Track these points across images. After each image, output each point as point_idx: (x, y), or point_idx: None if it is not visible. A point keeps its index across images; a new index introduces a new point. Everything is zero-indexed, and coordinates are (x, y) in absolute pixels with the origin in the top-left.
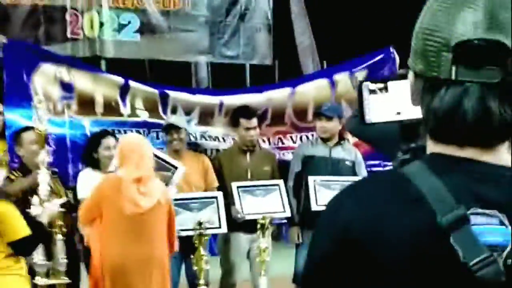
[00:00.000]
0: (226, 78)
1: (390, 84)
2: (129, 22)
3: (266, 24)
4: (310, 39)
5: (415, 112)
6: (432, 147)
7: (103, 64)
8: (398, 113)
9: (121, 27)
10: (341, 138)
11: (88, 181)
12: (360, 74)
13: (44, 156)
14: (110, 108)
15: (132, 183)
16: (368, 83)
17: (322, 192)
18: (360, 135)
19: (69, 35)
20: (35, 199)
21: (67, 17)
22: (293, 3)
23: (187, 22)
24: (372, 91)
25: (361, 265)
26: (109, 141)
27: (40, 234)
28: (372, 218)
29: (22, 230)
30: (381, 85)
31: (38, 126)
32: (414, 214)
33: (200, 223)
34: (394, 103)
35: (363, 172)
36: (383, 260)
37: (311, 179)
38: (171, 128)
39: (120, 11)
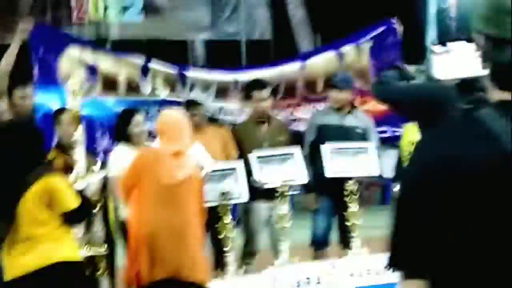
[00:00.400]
0: (222, 55)
1: (452, 46)
2: (132, 4)
3: (264, 0)
4: (303, 13)
5: (472, 70)
6: (496, 95)
7: (108, 46)
8: (459, 71)
9: (124, 9)
10: (353, 106)
11: (120, 158)
12: (366, 45)
13: (79, 135)
14: (132, 88)
15: (170, 156)
16: (434, 46)
17: (336, 159)
18: (385, 99)
19: (74, 19)
20: (72, 175)
21: (73, 1)
22: None
23: (188, 1)
24: (438, 53)
25: (446, 189)
26: (139, 118)
27: (87, 206)
28: (454, 152)
29: (73, 201)
30: (445, 48)
31: (72, 107)
32: (487, 145)
33: (223, 194)
34: (456, 62)
35: (374, 139)
36: (465, 183)
37: (324, 147)
38: (191, 104)
39: None
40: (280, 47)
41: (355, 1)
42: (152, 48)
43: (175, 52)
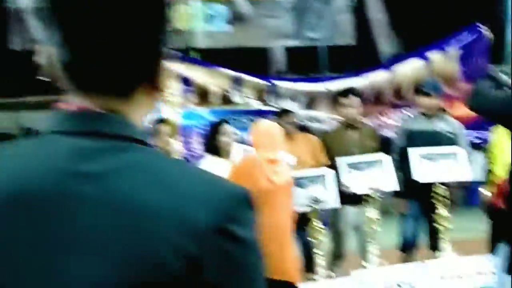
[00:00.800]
0: (303, 60)
1: None
2: (218, 13)
3: (348, 5)
4: (384, 15)
5: None
6: None
7: (193, 55)
8: None
9: (210, 18)
10: (442, 111)
11: (209, 167)
12: (454, 51)
13: (177, 146)
14: (225, 98)
15: (266, 163)
16: None
17: (424, 164)
18: (482, 111)
19: None
20: None
21: None
22: None
23: (273, 9)
24: None
25: None
26: (226, 128)
27: None
28: None
29: None
30: None
31: (169, 117)
32: None
33: (314, 199)
34: None
35: (463, 143)
36: None
37: (413, 152)
38: (283, 113)
39: (209, 3)
40: (361, 52)
41: (436, 3)
42: (235, 55)
43: (257, 58)
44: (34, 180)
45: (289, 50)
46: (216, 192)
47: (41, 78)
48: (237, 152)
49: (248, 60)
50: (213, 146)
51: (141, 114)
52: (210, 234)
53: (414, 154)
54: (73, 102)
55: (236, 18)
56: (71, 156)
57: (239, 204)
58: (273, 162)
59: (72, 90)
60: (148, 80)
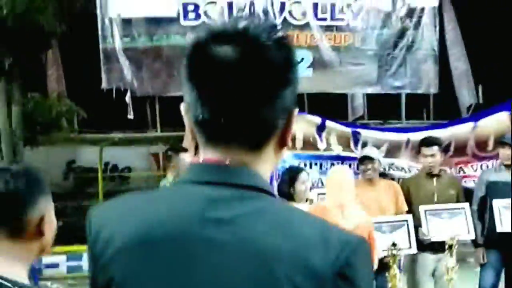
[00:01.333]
0: (384, 108)
1: None
2: (302, 59)
3: (432, 54)
4: (465, 65)
5: None
6: None
7: None
8: None
9: None
10: None
11: None
12: None
13: None
14: (308, 143)
15: (336, 208)
16: None
17: (506, 215)
18: None
19: None
20: None
21: None
22: (448, 30)
23: (356, 56)
24: None
25: None
26: (304, 176)
27: None
28: None
29: None
30: None
31: None
32: None
33: (394, 244)
34: None
35: None
36: None
37: (496, 202)
38: (365, 159)
39: (295, 48)
40: (443, 101)
41: None
42: (315, 100)
43: (337, 104)
44: (169, 224)
45: (370, 97)
46: (334, 239)
47: (128, 116)
48: (312, 199)
49: (328, 106)
50: (289, 192)
51: (268, 166)
52: (329, 277)
53: (497, 205)
54: (203, 154)
55: (319, 64)
56: (204, 203)
57: (355, 250)
58: (341, 206)
59: (204, 142)
60: (278, 136)
